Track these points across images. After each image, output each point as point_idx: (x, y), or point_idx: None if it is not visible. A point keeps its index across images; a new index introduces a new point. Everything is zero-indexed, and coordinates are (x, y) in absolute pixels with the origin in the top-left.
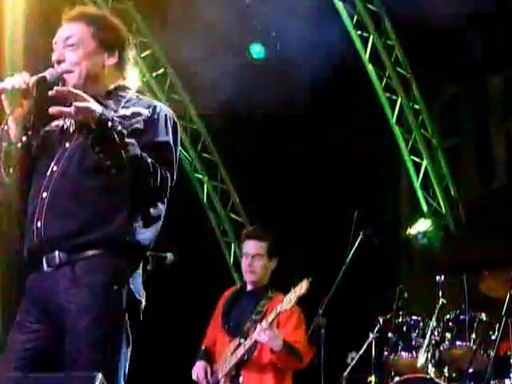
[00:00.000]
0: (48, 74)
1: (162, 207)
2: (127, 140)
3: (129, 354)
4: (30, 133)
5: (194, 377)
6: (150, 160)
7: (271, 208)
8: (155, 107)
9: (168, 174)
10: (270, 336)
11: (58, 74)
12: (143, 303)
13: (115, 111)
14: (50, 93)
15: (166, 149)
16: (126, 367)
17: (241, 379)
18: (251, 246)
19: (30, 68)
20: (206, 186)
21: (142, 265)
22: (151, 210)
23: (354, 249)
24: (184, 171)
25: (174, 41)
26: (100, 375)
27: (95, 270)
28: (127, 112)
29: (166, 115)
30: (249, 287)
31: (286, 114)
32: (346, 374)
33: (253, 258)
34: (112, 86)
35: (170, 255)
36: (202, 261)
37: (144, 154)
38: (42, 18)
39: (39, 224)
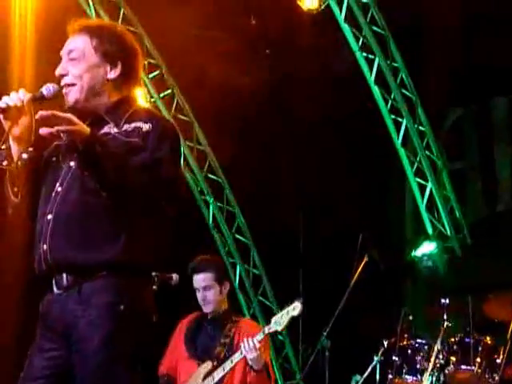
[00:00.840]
0: (45, 89)
1: (165, 226)
2: (118, 162)
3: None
4: (30, 150)
5: None
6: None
7: (276, 230)
8: (156, 121)
9: (165, 193)
10: (256, 355)
11: (55, 89)
12: (154, 321)
13: (118, 125)
14: (36, 116)
15: (162, 166)
16: None
17: None
18: (199, 280)
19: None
20: (211, 207)
21: (149, 283)
22: (154, 229)
23: (358, 271)
24: (190, 192)
25: (181, 61)
26: None
27: (101, 290)
28: (129, 127)
29: (165, 130)
30: (210, 314)
31: (292, 135)
32: None
33: (204, 290)
34: (115, 99)
35: (175, 276)
36: None
37: (136, 169)
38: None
39: (45, 247)
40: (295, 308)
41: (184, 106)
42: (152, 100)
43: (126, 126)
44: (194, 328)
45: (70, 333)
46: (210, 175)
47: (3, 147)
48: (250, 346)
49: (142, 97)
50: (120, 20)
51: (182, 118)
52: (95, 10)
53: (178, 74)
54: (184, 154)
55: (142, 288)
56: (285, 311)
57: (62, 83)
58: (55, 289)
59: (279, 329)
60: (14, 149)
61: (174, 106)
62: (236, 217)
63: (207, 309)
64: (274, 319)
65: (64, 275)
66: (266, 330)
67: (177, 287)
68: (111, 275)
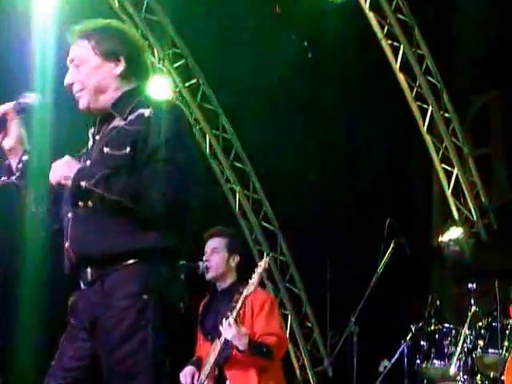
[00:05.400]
0: (27, 100)
1: (184, 211)
2: (105, 190)
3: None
4: (24, 159)
5: (182, 381)
6: (139, 181)
7: (303, 217)
8: (157, 105)
9: (171, 170)
10: (233, 334)
11: (31, 101)
12: (180, 309)
13: (124, 117)
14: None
15: (168, 147)
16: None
17: (227, 382)
18: (208, 244)
19: None
20: (237, 196)
21: (174, 271)
22: (175, 216)
23: (385, 257)
24: (216, 180)
25: (206, 51)
26: None
27: (124, 281)
28: (133, 116)
29: (166, 112)
30: (219, 287)
31: (318, 122)
32: (378, 382)
33: (211, 252)
34: (120, 94)
35: (202, 264)
36: None
37: (131, 181)
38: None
39: (67, 244)
40: (261, 264)
41: (209, 95)
42: (177, 89)
43: (130, 117)
44: (205, 308)
45: (95, 325)
46: (236, 163)
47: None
48: (225, 326)
49: (167, 86)
50: (144, 10)
51: (208, 106)
52: (119, 2)
53: (203, 63)
54: (210, 142)
55: (167, 276)
56: (255, 272)
57: (73, 91)
58: (82, 284)
59: (251, 289)
60: (11, 161)
61: (200, 95)
62: (262, 205)
63: (209, 275)
64: (250, 281)
65: (88, 270)
66: (244, 292)
67: (203, 275)
68: (133, 265)
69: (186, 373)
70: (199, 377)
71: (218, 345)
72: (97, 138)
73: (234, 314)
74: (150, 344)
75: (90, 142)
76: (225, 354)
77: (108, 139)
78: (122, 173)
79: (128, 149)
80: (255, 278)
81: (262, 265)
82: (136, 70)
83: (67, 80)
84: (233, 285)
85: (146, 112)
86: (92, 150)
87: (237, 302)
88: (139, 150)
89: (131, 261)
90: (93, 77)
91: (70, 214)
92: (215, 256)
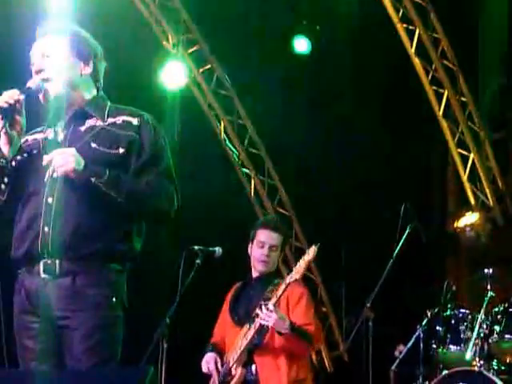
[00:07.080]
0: (31, 83)
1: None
2: (114, 190)
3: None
4: (22, 152)
5: (204, 369)
6: (145, 186)
7: (318, 202)
8: (142, 116)
9: (171, 183)
10: (275, 318)
11: (39, 81)
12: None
13: (102, 119)
14: (43, 162)
15: (165, 158)
16: None
17: (253, 366)
18: (270, 236)
19: None
20: (253, 181)
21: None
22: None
23: (401, 242)
24: (231, 166)
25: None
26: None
27: (97, 283)
28: (117, 120)
29: (154, 124)
30: (254, 275)
31: (331, 107)
32: (394, 367)
33: (270, 248)
34: (90, 96)
35: (218, 249)
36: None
37: (137, 184)
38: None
39: (46, 229)
40: (309, 252)
41: (224, 80)
42: (192, 75)
43: (111, 120)
44: (237, 295)
45: (60, 318)
46: (251, 149)
47: None
48: (264, 312)
49: (181, 72)
50: None
51: (222, 92)
52: None
53: (218, 48)
54: (225, 127)
55: (124, 278)
56: (301, 259)
57: (40, 78)
58: (42, 273)
59: (297, 276)
60: (5, 146)
61: (214, 80)
62: (277, 190)
63: (261, 267)
64: (294, 269)
65: (57, 262)
66: (288, 279)
67: (220, 260)
68: (106, 266)
69: (209, 359)
70: (222, 362)
71: (250, 330)
72: (65, 131)
73: (274, 299)
74: (115, 338)
75: (58, 135)
76: (256, 341)
77: (92, 136)
78: (124, 175)
79: (121, 150)
80: (302, 266)
81: (311, 254)
82: (98, 76)
83: (39, 66)
84: (267, 274)
85: (134, 121)
86: (68, 142)
87: (270, 293)
88: (133, 154)
89: (101, 262)
90: (65, 70)
91: (50, 199)
92: (273, 254)
